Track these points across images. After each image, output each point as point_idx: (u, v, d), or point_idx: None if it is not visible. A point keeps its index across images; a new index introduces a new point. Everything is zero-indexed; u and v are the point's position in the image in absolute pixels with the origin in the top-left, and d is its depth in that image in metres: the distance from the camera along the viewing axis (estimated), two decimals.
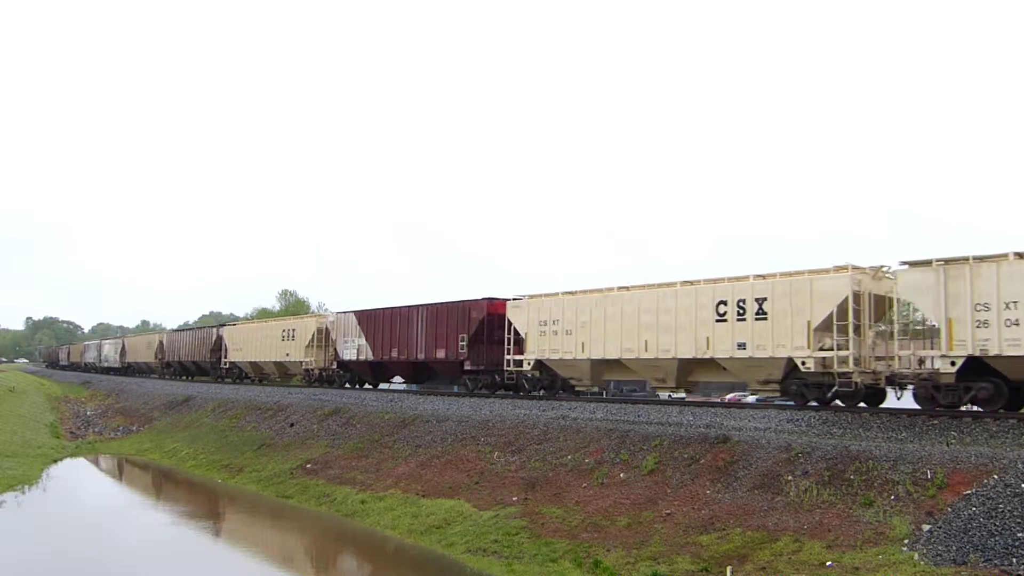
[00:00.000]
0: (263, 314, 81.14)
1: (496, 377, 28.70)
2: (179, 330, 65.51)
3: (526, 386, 27.69)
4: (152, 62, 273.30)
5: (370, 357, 34.54)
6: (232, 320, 71.56)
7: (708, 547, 14.03)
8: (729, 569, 13.16)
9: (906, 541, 12.43)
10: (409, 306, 32.56)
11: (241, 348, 46.80)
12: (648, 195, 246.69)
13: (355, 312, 35.94)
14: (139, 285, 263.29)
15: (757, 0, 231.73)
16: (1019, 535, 11.59)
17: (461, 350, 29.37)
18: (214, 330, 52.29)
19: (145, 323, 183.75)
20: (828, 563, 12.46)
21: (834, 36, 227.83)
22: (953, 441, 15.46)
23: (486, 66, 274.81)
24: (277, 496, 23.97)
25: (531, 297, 27.17)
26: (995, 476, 13.01)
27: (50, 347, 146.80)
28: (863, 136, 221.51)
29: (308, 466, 25.58)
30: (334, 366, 37.59)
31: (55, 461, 31.86)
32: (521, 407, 24.68)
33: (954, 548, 11.84)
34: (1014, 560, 11.21)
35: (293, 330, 41.18)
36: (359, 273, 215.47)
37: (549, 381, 26.88)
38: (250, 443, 30.63)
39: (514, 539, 16.38)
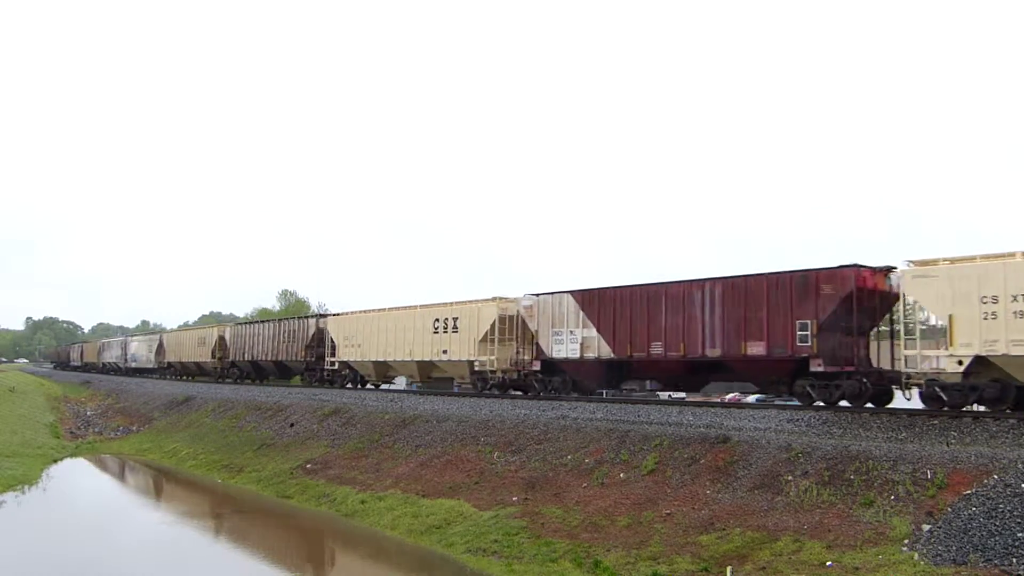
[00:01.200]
0: (263, 314, 77.00)
1: (864, 382, 20.05)
2: (250, 322, 53.21)
3: (942, 396, 18.05)
4: (151, 63, 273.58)
5: (607, 355, 25.19)
6: (329, 310, 55.55)
7: (708, 547, 14.03)
8: (729, 569, 13.17)
9: (906, 541, 12.44)
10: (686, 281, 23.54)
11: (360, 344, 36.95)
12: (648, 194, 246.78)
13: (573, 292, 26.83)
14: (139, 285, 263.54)
15: (755, 0, 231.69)
16: (1019, 535, 11.59)
17: (801, 343, 20.35)
18: (312, 321, 42.94)
19: (145, 323, 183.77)
20: (828, 563, 12.46)
21: (833, 35, 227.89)
22: (953, 441, 15.47)
23: (485, 66, 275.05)
24: (277, 496, 23.97)
25: (948, 261, 18.18)
26: (995, 476, 13.02)
27: (58, 346, 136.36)
28: (862, 136, 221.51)
29: (308, 466, 25.59)
30: (535, 367, 28.20)
31: (55, 461, 31.87)
32: (521, 407, 24.67)
33: (954, 548, 11.85)
34: (1014, 560, 11.21)
35: (455, 319, 31.26)
36: (358, 273, 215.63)
37: (997, 390, 17.40)
38: (250, 443, 30.64)
39: (514, 539, 16.39)
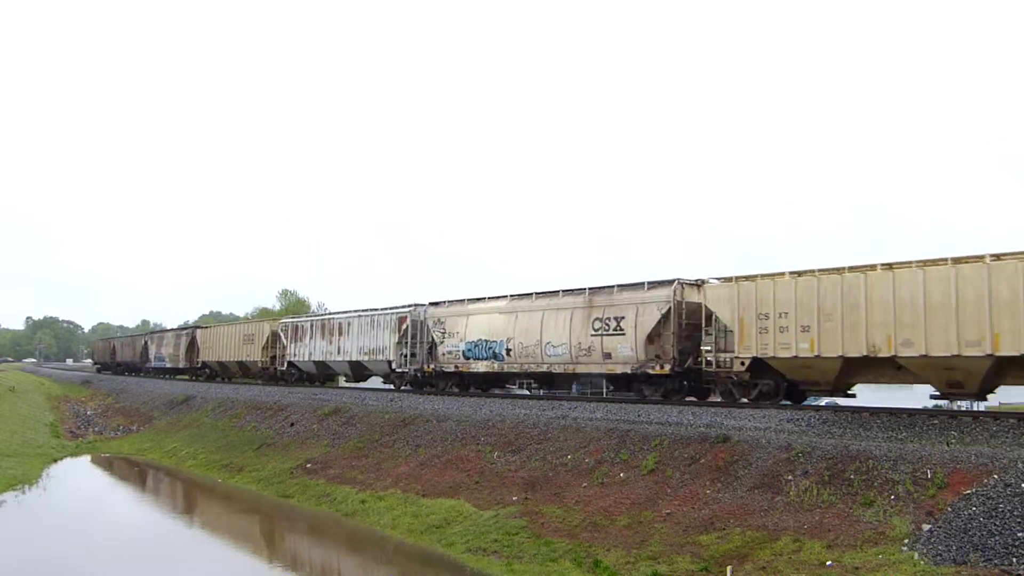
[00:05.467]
0: (264, 314, 73.65)
1: None
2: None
3: None
4: (151, 65, 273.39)
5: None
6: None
7: (708, 547, 14.02)
8: (729, 569, 13.16)
9: (906, 541, 12.43)
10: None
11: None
12: (642, 195, 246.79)
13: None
14: (138, 285, 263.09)
15: (739, 1, 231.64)
16: (1019, 535, 11.59)
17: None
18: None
19: (145, 322, 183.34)
20: (828, 563, 12.45)
21: (830, 35, 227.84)
22: (953, 441, 15.44)
23: (471, 68, 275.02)
24: (277, 495, 23.97)
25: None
26: (995, 476, 13.01)
27: (111, 338, 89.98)
28: (861, 136, 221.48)
29: (308, 466, 25.58)
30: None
31: (55, 460, 31.89)
32: (521, 407, 24.65)
33: (954, 548, 11.84)
34: (1014, 560, 11.20)
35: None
36: (357, 274, 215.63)
37: None
38: (250, 443, 30.64)
39: (514, 539, 16.38)
